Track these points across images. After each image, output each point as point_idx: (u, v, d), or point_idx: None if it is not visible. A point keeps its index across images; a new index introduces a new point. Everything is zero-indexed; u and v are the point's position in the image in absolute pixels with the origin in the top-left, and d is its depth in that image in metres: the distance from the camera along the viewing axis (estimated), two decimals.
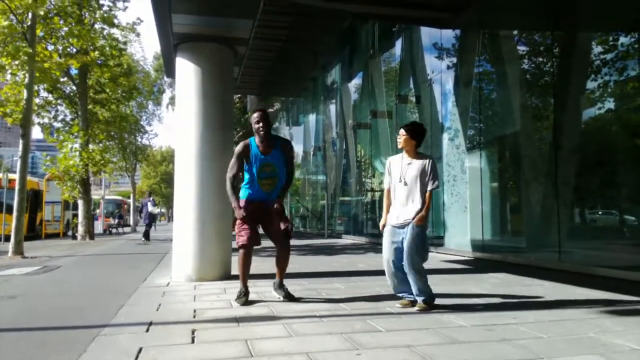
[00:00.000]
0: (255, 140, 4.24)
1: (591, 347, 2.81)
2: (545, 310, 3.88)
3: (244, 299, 4.20)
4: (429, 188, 3.92)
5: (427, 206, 3.90)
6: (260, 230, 4.42)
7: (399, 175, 4.00)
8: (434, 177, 3.94)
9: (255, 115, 4.22)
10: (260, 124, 4.16)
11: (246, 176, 4.30)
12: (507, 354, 2.67)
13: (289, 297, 4.30)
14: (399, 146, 4.06)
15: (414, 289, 3.92)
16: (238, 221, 4.21)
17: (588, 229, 7.28)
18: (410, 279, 3.89)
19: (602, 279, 5.64)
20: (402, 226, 3.92)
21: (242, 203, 4.24)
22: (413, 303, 3.97)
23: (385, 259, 4.02)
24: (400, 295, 4.07)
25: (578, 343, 2.90)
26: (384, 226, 4.06)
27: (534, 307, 4.00)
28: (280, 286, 4.40)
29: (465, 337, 3.04)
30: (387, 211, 4.07)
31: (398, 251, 3.93)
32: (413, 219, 3.87)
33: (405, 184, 3.94)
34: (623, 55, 6.45)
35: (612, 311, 3.86)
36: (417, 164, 3.95)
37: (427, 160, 3.97)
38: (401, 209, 3.95)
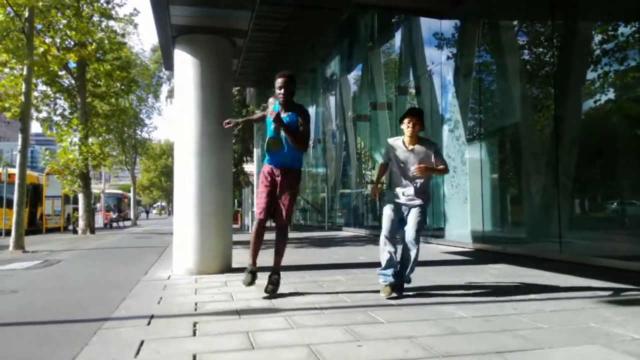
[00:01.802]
0: (278, 104, 4.25)
1: (592, 337, 2.82)
2: (545, 300, 3.88)
3: (250, 277, 4.08)
4: (440, 167, 4.15)
5: (437, 170, 4.15)
6: None
7: (403, 159, 4.12)
8: (443, 162, 4.16)
9: (279, 80, 4.15)
10: (282, 90, 4.14)
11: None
12: (508, 345, 2.67)
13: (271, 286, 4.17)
14: (408, 134, 4.12)
15: (406, 269, 4.07)
16: (260, 193, 4.23)
17: (588, 219, 7.28)
18: (410, 254, 4.04)
19: (602, 269, 5.65)
20: (407, 205, 4.10)
21: (266, 167, 4.25)
22: (392, 288, 4.05)
23: (385, 231, 4.10)
24: (383, 274, 4.11)
25: (579, 333, 2.91)
26: (374, 194, 4.13)
27: (535, 297, 4.00)
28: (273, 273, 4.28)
29: (466, 328, 3.05)
30: (378, 182, 4.20)
31: (398, 226, 4.10)
32: (416, 200, 4.07)
33: (405, 170, 4.09)
34: (623, 45, 6.42)
35: (612, 301, 3.87)
36: (422, 149, 4.10)
37: (433, 147, 4.15)
38: (406, 189, 4.11)
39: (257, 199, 4.27)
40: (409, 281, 4.18)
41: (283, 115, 4.16)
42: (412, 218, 4.08)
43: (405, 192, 4.13)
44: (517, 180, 8.86)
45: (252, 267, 4.17)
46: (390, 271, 4.08)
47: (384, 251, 4.09)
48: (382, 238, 4.13)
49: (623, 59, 6.43)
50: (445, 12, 9.57)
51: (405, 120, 4.13)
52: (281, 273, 4.35)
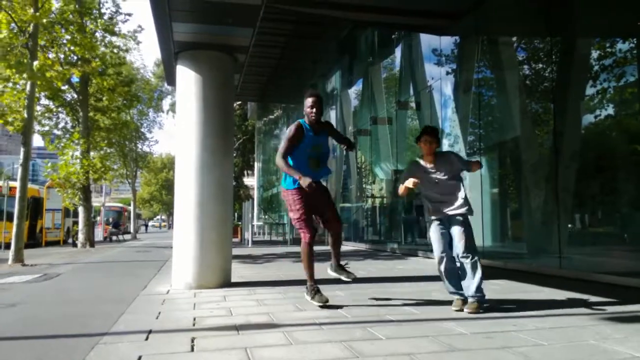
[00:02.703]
0: (306, 122, 4.35)
1: (591, 354, 2.80)
2: (545, 317, 3.87)
3: (320, 295, 4.28)
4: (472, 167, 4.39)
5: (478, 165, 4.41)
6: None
7: (433, 177, 4.20)
8: (467, 161, 4.39)
9: (310, 100, 4.30)
10: (314, 109, 4.28)
11: (291, 162, 4.27)
12: None
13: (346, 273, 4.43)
14: (427, 152, 4.23)
15: (473, 285, 3.97)
16: (298, 214, 4.24)
17: (589, 234, 7.27)
18: (470, 271, 3.98)
19: (602, 285, 5.63)
20: (448, 219, 4.14)
21: (302, 180, 4.11)
22: (464, 302, 4.04)
23: (438, 253, 4.13)
24: (454, 292, 4.13)
25: (578, 350, 2.89)
26: (403, 190, 4.13)
27: (535, 314, 3.98)
28: (339, 266, 4.53)
29: (465, 344, 3.03)
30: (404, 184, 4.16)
31: (448, 241, 4.12)
32: (461, 208, 4.11)
33: (438, 184, 4.17)
34: (621, 61, 6.47)
35: (612, 318, 3.85)
36: (445, 161, 4.24)
37: (452, 155, 4.38)
38: (443, 205, 4.16)
39: (300, 222, 4.27)
40: (476, 294, 4.02)
41: (316, 134, 4.33)
42: (460, 230, 4.06)
43: (449, 206, 4.15)
44: (517, 196, 8.86)
45: (314, 285, 4.37)
46: (456, 290, 4.11)
47: (445, 276, 4.14)
48: (438, 259, 4.16)
49: (621, 75, 6.49)
50: (445, 28, 9.67)
51: (423, 139, 4.23)
52: (280, 287, 4.42)
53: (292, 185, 4.32)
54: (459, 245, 4.04)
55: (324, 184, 4.56)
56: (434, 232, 4.19)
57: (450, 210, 4.14)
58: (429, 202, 4.27)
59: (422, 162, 4.30)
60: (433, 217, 4.23)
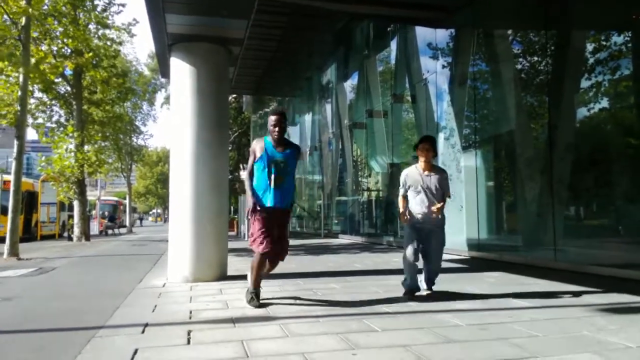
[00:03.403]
0: (268, 139, 4.26)
1: (586, 345, 2.83)
2: (540, 309, 3.89)
3: (257, 300, 4.13)
4: (447, 197, 4.52)
5: (443, 205, 4.46)
6: None
7: (419, 186, 4.42)
8: (448, 189, 4.54)
9: (273, 118, 4.23)
10: (277, 129, 4.19)
11: (258, 181, 4.18)
12: (503, 353, 2.68)
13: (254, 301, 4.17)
14: (424, 159, 4.44)
15: (431, 277, 4.55)
16: (258, 227, 4.12)
17: (583, 227, 7.31)
18: (433, 270, 4.51)
19: (597, 277, 5.67)
20: (426, 227, 4.40)
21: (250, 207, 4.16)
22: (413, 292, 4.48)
23: (409, 254, 4.38)
24: (413, 288, 4.47)
25: (573, 341, 2.91)
26: (405, 219, 4.47)
27: (530, 305, 4.01)
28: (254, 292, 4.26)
29: (461, 336, 3.05)
30: (405, 211, 4.49)
31: (419, 247, 4.40)
32: (440, 219, 4.44)
33: (427, 193, 4.39)
34: (616, 54, 6.48)
35: (606, 309, 3.88)
36: (436, 177, 4.44)
37: (445, 175, 4.53)
38: (425, 212, 4.38)
39: (261, 235, 4.10)
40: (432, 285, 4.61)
41: (279, 150, 4.19)
42: (436, 241, 4.44)
43: (427, 214, 4.37)
44: (512, 188, 8.90)
45: (256, 292, 4.21)
46: (414, 286, 4.49)
47: (409, 274, 4.46)
48: (407, 260, 4.41)
49: (616, 68, 6.50)
50: (441, 21, 9.64)
51: (420, 146, 4.45)
52: (277, 281, 4.38)
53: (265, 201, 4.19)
54: (437, 255, 4.48)
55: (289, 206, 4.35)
56: (409, 236, 4.45)
57: (428, 223, 4.41)
58: (411, 209, 4.47)
59: (415, 168, 4.51)
60: (411, 225, 4.47)
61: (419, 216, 4.40)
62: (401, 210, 4.52)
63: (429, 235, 4.42)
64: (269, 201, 4.10)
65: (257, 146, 4.24)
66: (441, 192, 4.44)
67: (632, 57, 6.35)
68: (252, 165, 4.24)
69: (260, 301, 4.15)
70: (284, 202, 4.17)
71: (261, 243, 4.09)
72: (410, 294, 4.43)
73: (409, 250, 4.38)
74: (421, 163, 4.47)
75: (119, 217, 35.26)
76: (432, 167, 4.50)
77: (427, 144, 4.44)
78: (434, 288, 4.60)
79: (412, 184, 4.47)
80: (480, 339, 2.97)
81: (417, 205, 4.41)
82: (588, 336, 3.02)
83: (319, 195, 18.68)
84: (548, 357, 2.61)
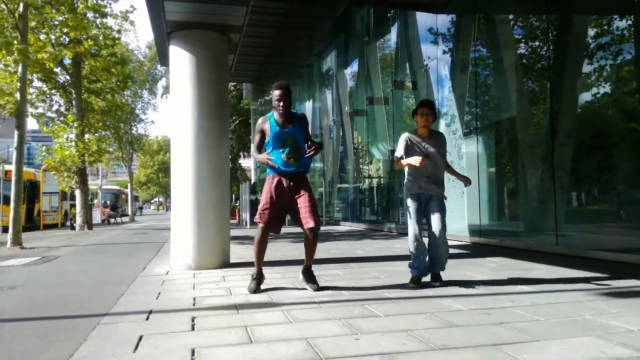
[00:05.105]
0: (274, 115, 4.16)
1: (587, 329, 2.84)
2: (542, 293, 3.91)
3: (255, 283, 4.14)
4: (448, 162, 4.44)
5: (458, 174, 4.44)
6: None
7: (419, 151, 4.26)
8: (445, 154, 4.43)
9: (277, 92, 4.08)
10: (281, 103, 4.06)
11: (272, 154, 4.12)
12: (505, 337, 2.70)
13: (315, 285, 4.19)
14: (423, 124, 4.30)
15: (441, 262, 4.28)
16: (263, 201, 4.13)
17: (585, 212, 7.32)
18: (441, 250, 4.22)
19: (598, 262, 5.69)
20: (428, 196, 4.27)
21: (270, 179, 4.13)
22: (419, 278, 4.31)
23: (413, 223, 4.25)
24: (420, 274, 4.31)
25: (574, 325, 2.93)
26: (409, 163, 4.20)
27: (531, 290, 4.04)
28: (307, 271, 4.32)
29: (463, 320, 3.07)
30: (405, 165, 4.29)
31: (422, 215, 4.29)
32: (442, 191, 4.30)
33: (428, 157, 4.22)
34: (618, 39, 6.43)
35: (607, 293, 3.90)
36: (436, 140, 4.35)
37: (444, 139, 4.44)
38: (426, 180, 4.26)
39: (262, 209, 4.13)
40: (443, 269, 4.38)
41: (286, 127, 4.08)
42: (437, 207, 4.22)
43: (429, 181, 4.26)
44: (514, 174, 8.89)
45: (258, 272, 4.23)
46: (419, 262, 4.27)
47: (414, 242, 4.24)
48: (412, 230, 4.25)
49: (618, 53, 6.45)
50: (441, 6, 9.56)
51: (420, 111, 4.30)
52: (279, 267, 4.39)
53: (269, 170, 4.22)
54: (439, 222, 4.19)
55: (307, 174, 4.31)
56: (411, 206, 4.31)
57: (430, 190, 4.27)
58: (412, 176, 4.34)
59: (413, 135, 4.36)
60: (411, 192, 4.33)
61: (422, 182, 4.26)
62: (403, 165, 4.31)
63: (429, 201, 4.27)
64: (280, 171, 4.10)
65: (263, 126, 4.15)
66: (443, 154, 4.37)
67: (634, 41, 6.29)
68: (259, 142, 4.20)
69: (262, 287, 4.16)
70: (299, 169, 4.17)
71: (261, 216, 4.13)
72: (417, 281, 4.28)
73: (412, 221, 4.24)
74: (420, 128, 4.34)
75: (121, 205, 35.32)
76: (432, 132, 4.39)
77: (426, 109, 4.30)
78: (443, 277, 4.37)
79: (412, 148, 4.31)
80: (482, 324, 2.99)
81: (418, 170, 4.23)
82: (589, 320, 3.04)
83: (320, 182, 18.70)
84: (550, 340, 2.63)
